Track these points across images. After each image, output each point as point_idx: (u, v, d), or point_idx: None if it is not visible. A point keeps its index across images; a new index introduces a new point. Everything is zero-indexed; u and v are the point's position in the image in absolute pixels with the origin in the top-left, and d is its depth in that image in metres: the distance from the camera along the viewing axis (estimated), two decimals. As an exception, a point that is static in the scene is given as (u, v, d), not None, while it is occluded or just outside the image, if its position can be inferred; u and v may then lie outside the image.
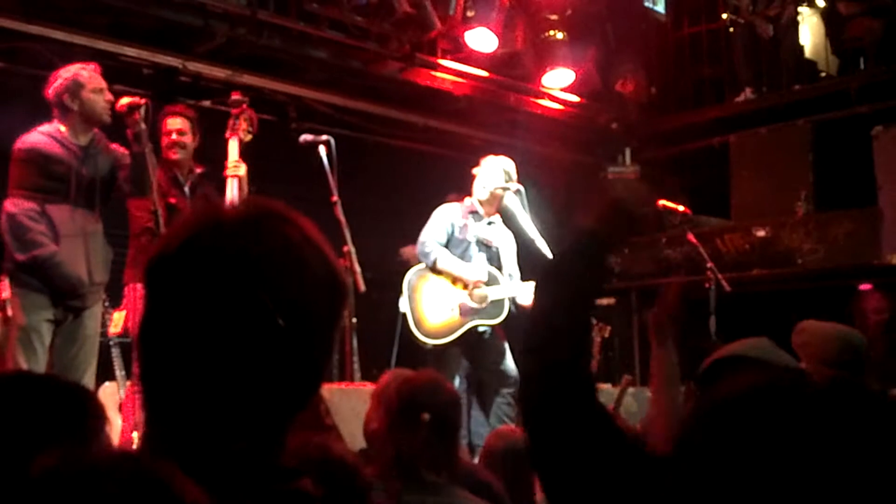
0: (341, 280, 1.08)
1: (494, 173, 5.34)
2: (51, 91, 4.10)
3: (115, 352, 4.69)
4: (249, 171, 4.54)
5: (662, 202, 6.07)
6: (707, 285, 5.68)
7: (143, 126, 4.09)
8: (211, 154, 4.71)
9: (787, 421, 0.93)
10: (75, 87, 4.08)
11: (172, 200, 4.40)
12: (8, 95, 4.63)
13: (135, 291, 4.43)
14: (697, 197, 7.15)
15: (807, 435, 0.91)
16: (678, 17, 8.22)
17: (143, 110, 4.09)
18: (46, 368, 4.00)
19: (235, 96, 4.65)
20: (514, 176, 5.37)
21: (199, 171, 4.70)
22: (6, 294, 3.92)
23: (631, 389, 5.09)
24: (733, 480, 0.92)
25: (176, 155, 4.58)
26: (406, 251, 6.44)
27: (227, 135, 4.54)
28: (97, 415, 1.51)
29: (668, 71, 8.12)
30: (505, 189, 5.31)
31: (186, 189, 4.58)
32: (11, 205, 3.98)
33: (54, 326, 4.00)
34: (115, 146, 4.27)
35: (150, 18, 5.36)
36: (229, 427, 0.98)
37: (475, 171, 5.41)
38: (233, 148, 4.49)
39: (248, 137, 4.56)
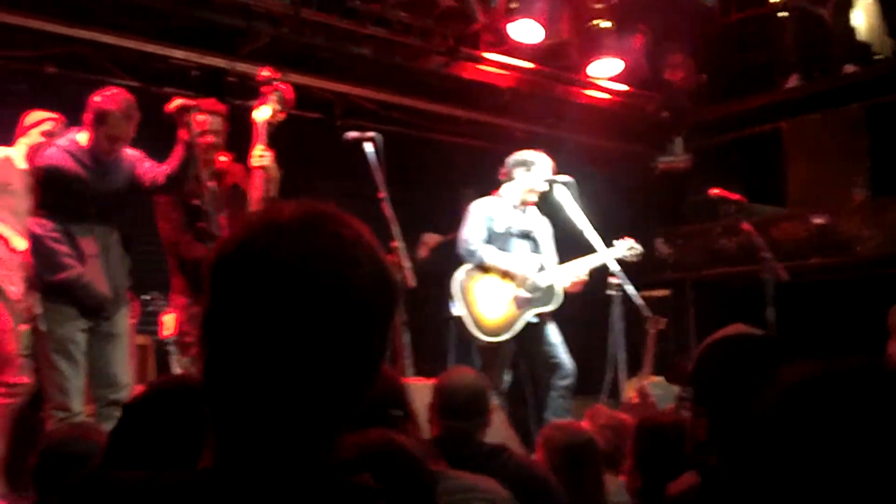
0: (393, 280, 1.09)
1: (542, 174, 5.30)
2: (91, 100, 4.09)
3: (173, 349, 4.78)
4: (297, 169, 4.47)
5: (716, 190, 5.96)
6: (763, 275, 5.56)
7: (194, 128, 4.13)
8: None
9: (872, 402, 0.93)
10: (98, 119, 4.03)
11: (195, 202, 4.30)
12: (59, 100, 4.69)
13: (177, 300, 4.50)
14: (751, 185, 7.02)
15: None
16: (726, 3, 8.06)
17: (193, 112, 4.12)
18: (87, 370, 4.09)
19: (264, 73, 4.36)
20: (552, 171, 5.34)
21: (225, 160, 4.60)
22: (38, 309, 4.03)
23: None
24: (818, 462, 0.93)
25: (207, 154, 4.46)
26: (428, 237, 6.42)
27: (255, 117, 4.27)
28: None
29: (717, 57, 7.97)
30: (553, 182, 5.27)
31: (210, 185, 4.42)
32: (36, 225, 4.04)
33: (88, 334, 4.09)
34: (125, 150, 4.22)
35: (195, 20, 5.40)
36: (287, 423, 1.01)
37: (510, 162, 5.37)
38: (261, 131, 4.25)
39: (281, 117, 4.29)
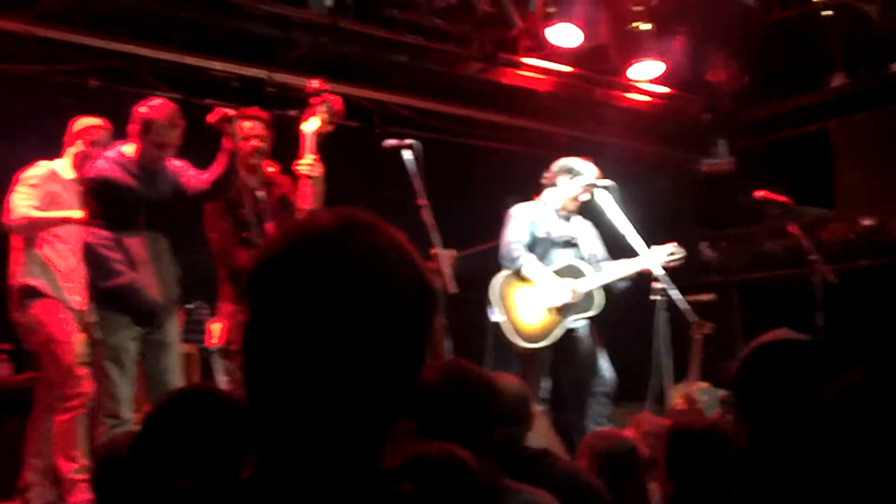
0: (431, 287, 1.09)
1: (585, 178, 5.25)
2: (135, 111, 4.20)
3: (216, 358, 4.82)
4: (336, 177, 4.46)
5: (761, 192, 5.86)
6: (812, 279, 5.45)
7: (238, 139, 4.19)
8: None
9: None
10: (144, 129, 4.14)
11: (242, 212, 4.36)
12: (102, 113, 4.75)
13: (225, 308, 4.54)
14: (797, 186, 6.89)
15: None
16: (768, 1, 7.93)
17: (234, 122, 4.17)
18: (139, 379, 4.17)
19: (314, 84, 4.41)
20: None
21: (272, 170, 4.66)
22: (94, 318, 4.13)
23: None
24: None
25: (252, 159, 4.54)
26: (443, 254, 6.31)
27: (303, 128, 4.29)
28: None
29: (761, 57, 7.85)
30: (595, 186, 5.22)
31: (259, 194, 4.54)
32: (89, 235, 4.14)
33: (140, 342, 4.16)
34: (170, 161, 4.30)
35: (234, 32, 5.44)
36: (327, 430, 1.01)
37: (555, 168, 5.32)
38: (308, 140, 4.26)
39: (330, 128, 4.32)
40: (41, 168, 4.50)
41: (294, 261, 1.03)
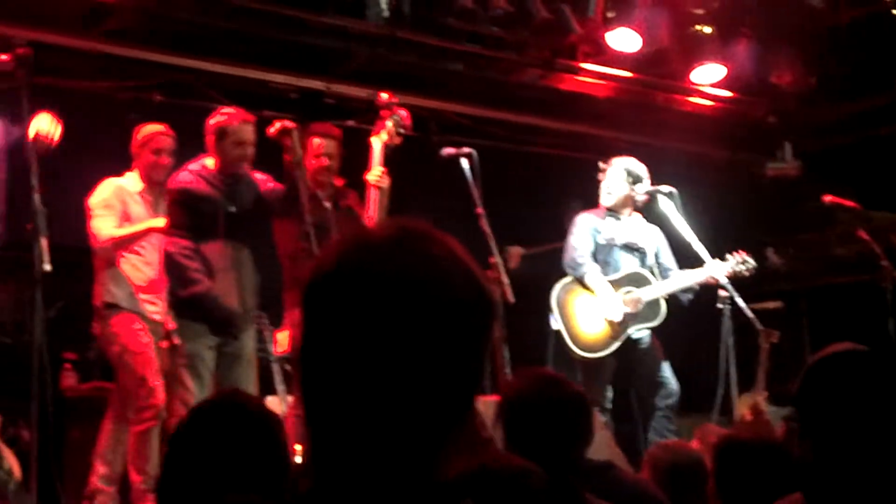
0: (489, 295, 1.07)
1: (617, 176, 5.16)
2: (207, 124, 4.35)
3: (276, 367, 4.87)
4: (394, 186, 4.49)
5: (829, 197, 5.71)
6: (882, 285, 5.29)
7: (298, 151, 4.25)
8: (356, 172, 4.73)
9: None
10: (220, 135, 4.30)
11: (307, 221, 4.38)
12: (169, 127, 4.84)
13: (293, 315, 4.57)
14: (865, 190, 6.69)
15: None
16: (835, 2, 7.73)
17: (294, 134, 4.22)
18: (213, 389, 4.19)
19: (384, 96, 4.53)
20: (641, 174, 5.20)
21: (339, 184, 4.74)
22: (172, 325, 4.22)
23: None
24: None
25: (321, 177, 4.63)
26: (513, 250, 6.30)
27: (372, 140, 4.42)
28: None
29: (827, 59, 7.64)
30: (657, 192, 5.14)
31: (326, 204, 4.61)
32: (170, 244, 4.27)
33: (216, 352, 4.23)
34: (253, 173, 4.42)
35: (293, 44, 5.50)
36: (385, 444, 0.99)
37: (601, 175, 5.27)
38: (377, 152, 4.40)
39: (399, 140, 4.44)
40: (110, 186, 4.61)
41: (348, 272, 1.02)
